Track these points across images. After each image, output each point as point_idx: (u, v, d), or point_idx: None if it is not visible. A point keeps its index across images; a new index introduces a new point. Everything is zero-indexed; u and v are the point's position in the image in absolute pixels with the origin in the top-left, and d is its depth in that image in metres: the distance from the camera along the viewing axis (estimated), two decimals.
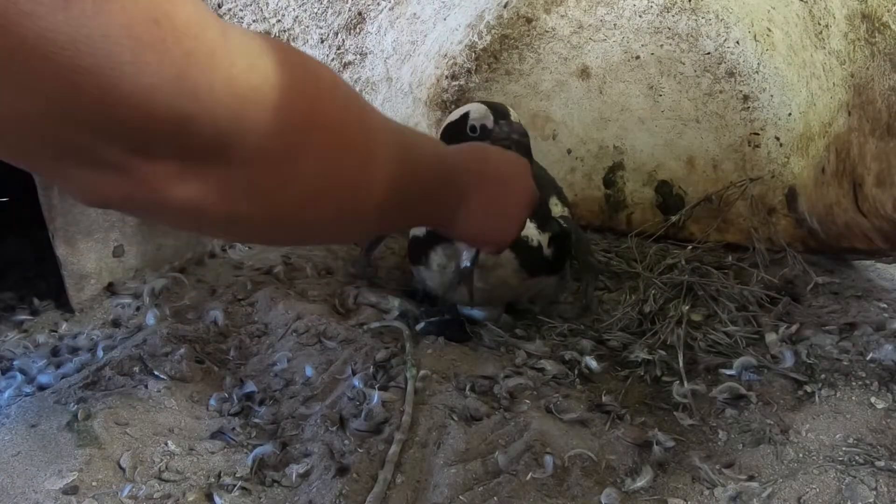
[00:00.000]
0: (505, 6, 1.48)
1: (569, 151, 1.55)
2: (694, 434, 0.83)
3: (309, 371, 0.93)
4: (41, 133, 0.32)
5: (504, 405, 0.85)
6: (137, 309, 1.13)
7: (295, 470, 0.76)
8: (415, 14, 1.38)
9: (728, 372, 0.92)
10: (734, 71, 1.37)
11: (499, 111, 0.97)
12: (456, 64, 1.53)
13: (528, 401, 0.87)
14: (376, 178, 0.50)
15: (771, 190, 1.36)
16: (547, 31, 1.49)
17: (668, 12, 1.40)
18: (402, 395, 0.86)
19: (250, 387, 0.92)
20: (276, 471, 0.77)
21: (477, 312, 1.09)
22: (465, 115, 0.98)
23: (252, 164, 0.39)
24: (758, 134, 1.38)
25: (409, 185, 0.55)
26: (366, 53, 1.35)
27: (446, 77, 1.54)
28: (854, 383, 0.84)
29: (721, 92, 1.40)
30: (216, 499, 0.72)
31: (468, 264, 0.94)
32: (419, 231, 1.02)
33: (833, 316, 1.03)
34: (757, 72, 1.35)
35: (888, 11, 0.91)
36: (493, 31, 1.51)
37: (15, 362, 1.00)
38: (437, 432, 0.80)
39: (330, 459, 0.77)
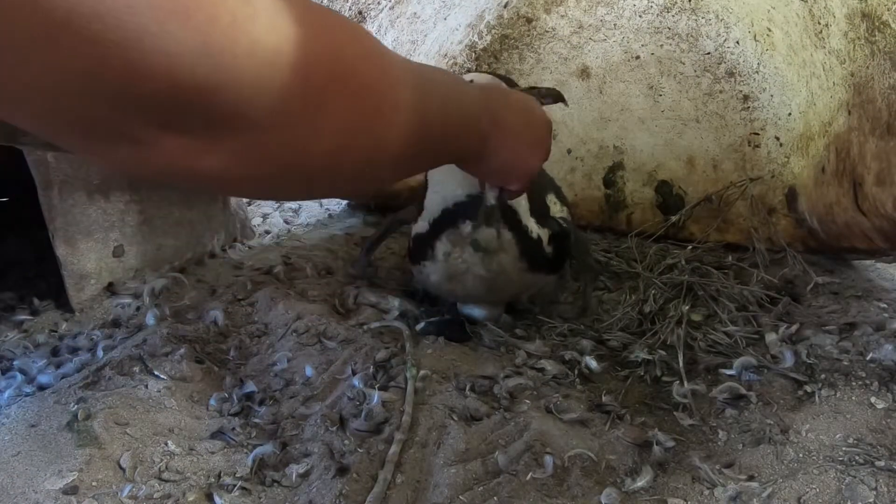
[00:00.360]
0: (505, 6, 1.48)
1: (569, 151, 1.55)
2: (694, 434, 0.83)
3: (309, 371, 0.93)
4: (71, 109, 0.32)
5: (504, 405, 0.85)
6: (137, 309, 1.13)
7: (295, 470, 0.76)
8: (415, 13, 1.38)
9: (728, 372, 0.92)
10: (734, 71, 1.37)
11: (507, 82, 0.98)
12: (456, 64, 1.53)
13: (528, 401, 0.87)
14: (399, 127, 0.50)
15: (771, 190, 1.36)
16: (547, 31, 1.49)
17: (668, 12, 1.40)
18: (402, 395, 0.86)
19: (250, 387, 0.92)
20: (276, 471, 0.77)
21: (477, 312, 1.09)
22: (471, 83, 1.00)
23: (276, 127, 0.39)
24: (758, 134, 1.38)
25: (432, 129, 0.55)
26: None
27: None
28: (854, 383, 0.84)
29: (721, 92, 1.40)
30: (216, 499, 0.72)
31: (493, 202, 0.94)
32: (421, 228, 1.02)
33: (833, 316, 1.03)
34: (757, 72, 1.35)
35: (888, 10, 0.91)
36: (493, 31, 1.51)
37: (15, 362, 1.00)
38: (437, 432, 0.80)
39: (330, 459, 0.77)
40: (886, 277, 1.21)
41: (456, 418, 0.82)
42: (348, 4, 1.25)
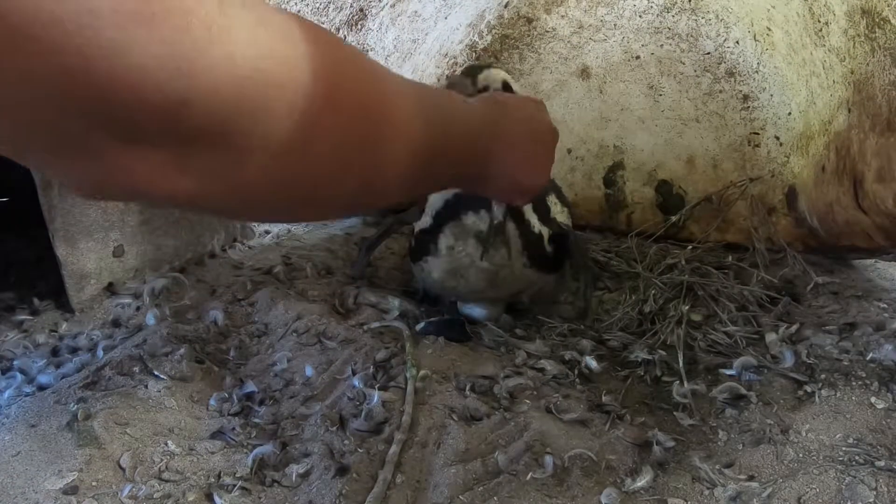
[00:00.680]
0: (506, 6, 1.48)
1: (569, 151, 1.55)
2: (694, 434, 0.83)
3: (309, 371, 0.93)
4: (31, 122, 0.30)
5: (504, 405, 0.85)
6: (137, 309, 1.13)
7: (295, 470, 0.76)
8: (416, 12, 1.38)
9: (728, 372, 0.92)
10: (734, 70, 1.37)
11: (471, 70, 1.00)
12: (456, 63, 1.53)
13: (528, 401, 0.87)
14: (399, 152, 0.47)
15: (771, 189, 1.36)
16: (547, 31, 1.49)
17: (668, 12, 1.40)
18: (402, 395, 0.86)
19: (250, 387, 0.92)
20: (276, 471, 0.77)
21: (477, 312, 1.09)
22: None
23: (258, 149, 0.36)
24: (758, 133, 1.38)
25: (434, 152, 0.53)
26: (367, 50, 1.35)
27: (447, 76, 1.54)
28: (854, 383, 0.84)
29: (721, 91, 1.39)
30: (216, 499, 0.72)
31: (501, 218, 0.94)
32: (424, 223, 1.02)
33: (833, 316, 1.03)
34: (757, 71, 1.35)
35: (888, 6, 0.91)
36: (493, 31, 1.51)
37: (15, 362, 1.00)
38: (437, 432, 0.80)
39: (330, 459, 0.77)
40: (886, 277, 1.21)
41: (456, 418, 0.82)
42: (350, 1, 1.25)
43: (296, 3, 1.17)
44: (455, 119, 0.59)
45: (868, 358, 0.88)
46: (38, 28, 0.26)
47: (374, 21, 1.32)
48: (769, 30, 1.29)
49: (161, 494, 0.73)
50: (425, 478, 0.74)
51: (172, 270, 1.24)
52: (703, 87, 1.41)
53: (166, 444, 0.80)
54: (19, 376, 0.96)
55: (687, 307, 1.09)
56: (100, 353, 1.00)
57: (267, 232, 1.61)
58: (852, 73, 1.04)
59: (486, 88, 0.98)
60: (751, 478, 0.73)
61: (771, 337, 0.98)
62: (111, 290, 1.17)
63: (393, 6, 1.33)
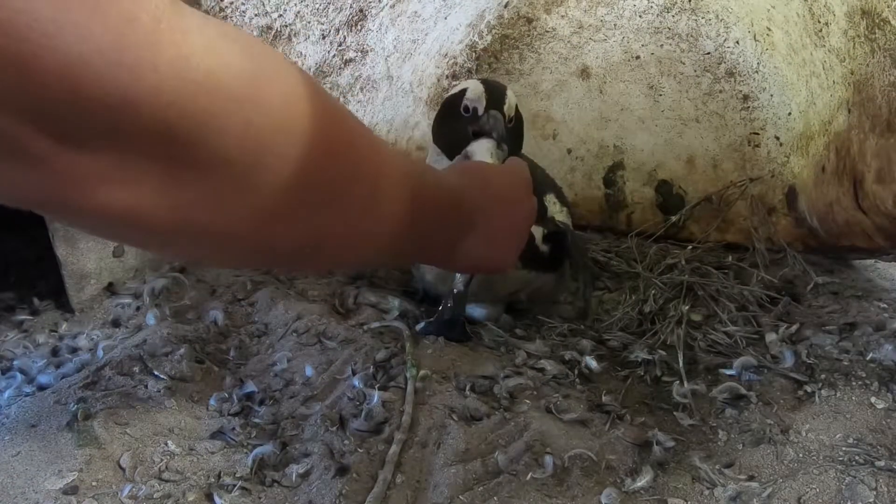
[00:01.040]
0: (505, 6, 1.48)
1: (569, 151, 1.55)
2: (694, 434, 0.83)
3: (309, 371, 0.93)
4: None
5: (504, 405, 0.85)
6: (137, 309, 1.13)
7: (295, 470, 0.76)
8: (416, 12, 1.37)
9: (728, 372, 0.92)
10: (734, 71, 1.37)
11: (494, 97, 0.95)
12: (456, 63, 1.53)
13: (528, 401, 0.87)
14: (371, 200, 0.43)
15: (771, 189, 1.36)
16: (547, 31, 1.49)
17: (668, 12, 1.40)
18: (402, 395, 0.86)
19: (250, 387, 0.92)
20: (276, 471, 0.77)
21: (477, 312, 1.09)
22: (463, 92, 0.98)
23: (207, 167, 0.32)
24: (758, 133, 1.38)
25: (415, 212, 0.48)
26: (367, 51, 1.35)
27: (447, 77, 1.54)
28: (854, 383, 0.84)
29: (721, 92, 1.39)
30: (216, 499, 0.73)
31: (462, 288, 0.93)
32: None
33: (833, 316, 1.03)
34: (757, 71, 1.35)
35: (888, 7, 0.91)
36: (493, 31, 1.50)
37: (15, 362, 1.00)
38: (437, 432, 0.80)
39: (330, 459, 0.77)
40: (886, 277, 1.21)
41: (456, 418, 0.82)
42: (349, 1, 1.25)
43: (295, 4, 1.17)
44: (433, 186, 0.54)
45: (868, 358, 0.88)
46: None
47: (373, 21, 1.32)
48: (769, 30, 1.29)
49: (161, 494, 0.73)
50: (425, 478, 0.74)
51: (172, 270, 1.24)
52: (703, 87, 1.41)
53: (166, 444, 0.80)
54: (19, 376, 0.96)
55: (687, 307, 1.09)
56: (100, 353, 1.00)
57: None
58: (852, 73, 1.04)
59: (510, 120, 0.96)
60: (751, 478, 0.73)
61: (771, 337, 0.98)
62: (111, 290, 1.17)
63: (393, 7, 1.33)
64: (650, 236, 1.42)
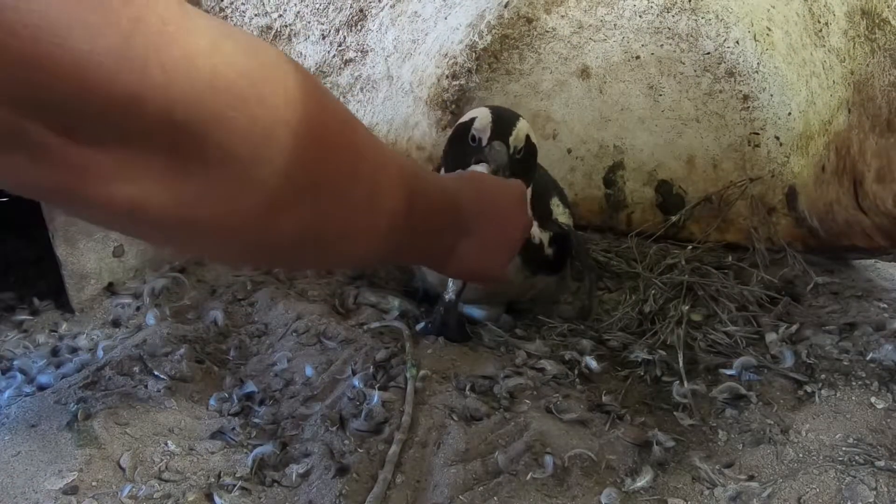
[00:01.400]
0: (505, 6, 1.48)
1: (569, 151, 1.55)
2: (694, 434, 0.83)
3: (309, 371, 0.93)
4: None
5: (504, 405, 0.85)
6: (137, 309, 1.13)
7: (295, 470, 0.76)
8: (416, 12, 1.37)
9: (728, 372, 0.92)
10: (734, 71, 1.37)
11: (500, 127, 0.94)
12: (457, 63, 1.53)
13: (528, 401, 0.87)
14: (369, 198, 0.44)
15: (771, 189, 1.36)
16: (547, 31, 1.49)
17: (668, 12, 1.40)
18: (402, 395, 0.86)
19: (250, 387, 0.92)
20: (276, 471, 0.77)
21: (477, 312, 1.09)
22: (472, 121, 0.96)
23: (211, 162, 0.33)
24: (758, 133, 1.38)
25: (411, 212, 0.49)
26: (367, 51, 1.35)
27: (447, 76, 1.54)
28: (854, 383, 0.84)
29: (721, 92, 1.39)
30: (216, 499, 0.72)
31: (453, 297, 0.93)
32: None
33: (833, 316, 1.03)
34: (757, 71, 1.35)
35: (888, 7, 0.91)
36: (493, 31, 1.50)
37: (15, 362, 1.00)
38: (437, 432, 0.80)
39: (330, 459, 0.77)
40: (886, 277, 1.21)
41: (456, 418, 0.82)
42: (349, 2, 1.25)
43: (295, 4, 1.17)
44: (430, 189, 0.55)
45: (868, 358, 0.88)
46: None
47: (373, 21, 1.32)
48: (769, 30, 1.29)
49: (161, 494, 0.73)
50: (425, 478, 0.74)
51: (172, 270, 1.24)
52: (703, 87, 1.41)
53: (166, 444, 0.80)
54: (19, 376, 0.96)
55: (687, 307, 1.09)
56: (100, 353, 1.00)
57: None
58: (852, 73, 1.04)
59: (519, 151, 0.95)
60: (751, 478, 0.73)
61: (771, 337, 0.98)
62: (111, 290, 1.17)
63: (393, 6, 1.33)
64: (650, 236, 1.42)
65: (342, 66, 1.32)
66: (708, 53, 1.39)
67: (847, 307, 1.05)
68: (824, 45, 1.11)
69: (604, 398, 0.89)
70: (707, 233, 1.41)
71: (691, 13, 1.38)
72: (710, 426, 0.84)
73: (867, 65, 0.98)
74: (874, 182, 0.97)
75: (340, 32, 1.28)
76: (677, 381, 0.91)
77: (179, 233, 0.38)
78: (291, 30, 1.18)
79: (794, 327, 0.99)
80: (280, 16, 1.16)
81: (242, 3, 1.08)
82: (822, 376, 0.87)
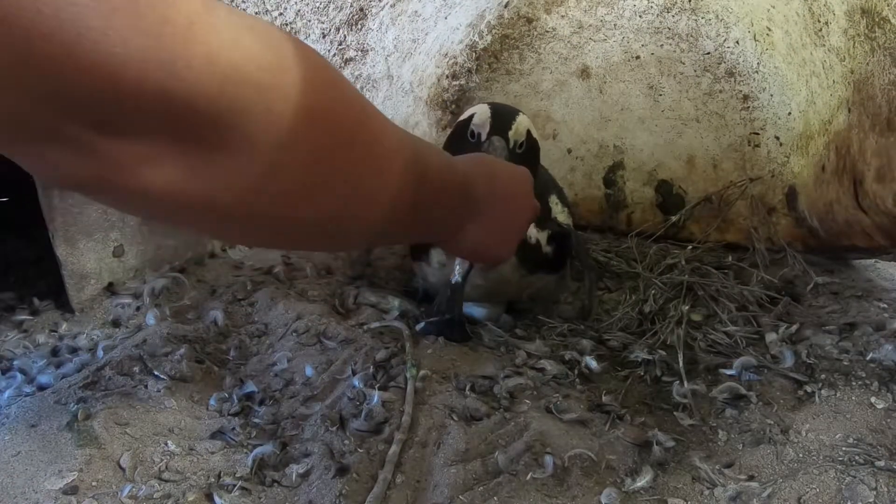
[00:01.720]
0: (506, 6, 1.48)
1: (569, 151, 1.55)
2: (694, 434, 0.83)
3: (309, 371, 0.93)
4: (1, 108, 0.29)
5: (504, 405, 0.85)
6: (137, 309, 1.13)
7: (295, 470, 0.76)
8: (416, 12, 1.38)
9: (728, 372, 0.92)
10: (734, 71, 1.37)
11: (499, 122, 0.94)
12: (457, 63, 1.53)
13: (528, 401, 0.86)
14: (377, 187, 0.46)
15: (771, 189, 1.36)
16: (547, 31, 1.49)
17: (668, 12, 1.40)
18: (402, 395, 0.86)
19: (250, 387, 0.92)
20: (276, 471, 0.77)
21: (477, 312, 1.09)
22: (471, 118, 0.97)
23: (234, 150, 0.35)
24: (758, 133, 1.38)
25: (421, 193, 0.51)
26: (367, 50, 1.35)
27: (447, 76, 1.54)
28: (854, 383, 0.84)
29: (721, 92, 1.39)
30: (216, 499, 0.72)
31: (459, 279, 0.93)
32: None
33: (833, 316, 1.03)
34: (757, 71, 1.35)
35: (888, 6, 0.91)
36: (493, 31, 1.51)
37: (15, 362, 1.00)
38: (437, 432, 0.80)
39: (330, 459, 0.77)
40: (886, 277, 1.21)
41: (456, 418, 0.82)
42: (349, 1, 1.25)
43: (296, 2, 1.17)
44: (444, 169, 0.57)
45: (868, 358, 0.88)
46: (9, 10, 0.25)
47: (374, 21, 1.32)
48: (769, 30, 1.29)
49: (161, 494, 0.73)
50: (425, 478, 0.74)
51: (172, 270, 1.24)
52: (703, 87, 1.41)
53: (166, 444, 0.80)
54: (19, 376, 0.96)
55: (687, 307, 1.09)
56: (100, 353, 1.00)
57: None
58: (852, 72, 1.04)
59: (520, 145, 0.95)
60: (751, 478, 0.73)
61: (771, 337, 0.98)
62: (111, 290, 1.17)
63: (393, 6, 1.33)
64: (650, 236, 1.42)
65: (342, 65, 1.32)
66: (708, 53, 1.39)
67: (847, 307, 1.05)
68: (824, 45, 1.11)
69: (604, 398, 0.89)
70: (707, 233, 1.41)
71: (691, 13, 1.38)
72: (710, 426, 0.84)
73: (867, 64, 0.98)
74: (874, 181, 0.97)
75: (341, 31, 1.28)
76: (677, 381, 0.91)
77: (206, 217, 0.40)
78: (292, 28, 1.18)
79: (794, 327, 0.99)
80: (280, 14, 1.16)
81: (242, 1, 1.08)
82: (822, 376, 0.87)
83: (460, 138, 0.98)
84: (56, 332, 1.09)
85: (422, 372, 0.90)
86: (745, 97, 1.37)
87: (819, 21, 1.11)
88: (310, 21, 1.21)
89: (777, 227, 1.33)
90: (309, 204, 0.42)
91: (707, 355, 0.98)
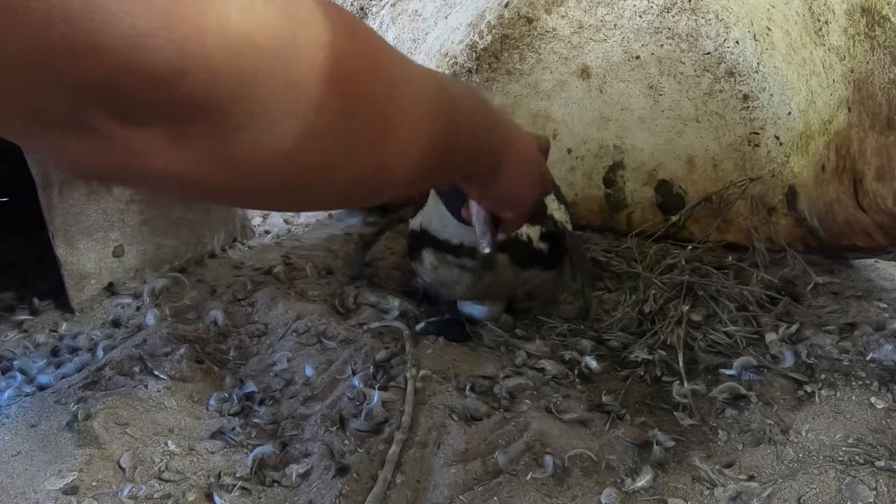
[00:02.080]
0: (506, 6, 1.48)
1: (569, 151, 1.55)
2: (694, 434, 0.83)
3: (309, 371, 0.93)
4: (9, 95, 0.28)
5: (504, 405, 0.85)
6: (137, 309, 1.13)
7: (295, 470, 0.76)
8: (416, 11, 1.38)
9: (728, 372, 0.92)
10: (734, 70, 1.37)
11: None
12: (457, 63, 1.53)
13: (528, 401, 0.86)
14: (410, 142, 0.45)
15: (771, 189, 1.36)
16: (547, 31, 1.49)
17: (668, 12, 1.39)
18: (402, 395, 0.86)
19: (250, 387, 0.92)
20: (276, 471, 0.77)
21: (477, 312, 1.09)
22: None
23: (255, 124, 0.34)
24: (758, 133, 1.38)
25: (450, 146, 0.50)
26: None
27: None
28: (854, 383, 0.84)
29: (721, 91, 1.39)
30: (216, 499, 0.72)
31: (488, 250, 0.93)
32: (415, 225, 1.03)
33: (833, 316, 1.03)
34: (756, 71, 1.35)
35: (888, 4, 0.91)
36: (493, 31, 1.50)
37: (15, 362, 1.00)
38: (437, 432, 0.80)
39: (330, 459, 0.77)
40: (886, 277, 1.21)
41: (456, 418, 0.82)
42: (350, 0, 1.25)
43: None
44: (475, 114, 0.57)
45: (868, 358, 0.88)
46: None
47: (374, 20, 1.32)
48: (769, 29, 1.29)
49: (161, 494, 0.73)
50: (425, 478, 0.74)
51: (172, 270, 1.24)
52: (703, 87, 1.41)
53: (166, 444, 0.80)
54: (19, 376, 0.96)
55: (687, 307, 1.09)
56: (100, 353, 1.00)
57: (267, 232, 1.62)
58: (852, 71, 1.04)
59: None
60: (751, 478, 0.73)
61: (771, 337, 0.98)
62: (111, 290, 1.17)
63: (393, 5, 1.33)
64: (650, 236, 1.42)
65: None
66: (708, 53, 1.39)
67: (847, 307, 1.05)
68: (824, 44, 1.11)
69: (604, 398, 0.89)
70: (707, 233, 1.41)
71: (691, 13, 1.38)
72: (710, 426, 0.84)
73: (867, 62, 0.98)
74: (874, 180, 0.97)
75: None
76: (677, 381, 0.91)
77: (237, 194, 0.39)
78: None
79: (794, 327, 0.99)
80: None
81: None
82: (822, 376, 0.87)
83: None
84: (56, 332, 1.09)
85: (422, 372, 0.90)
86: (745, 97, 1.37)
87: (819, 20, 1.11)
88: None
89: (777, 227, 1.33)
90: (341, 170, 0.41)
91: (707, 355, 0.98)
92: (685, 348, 0.98)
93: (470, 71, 1.54)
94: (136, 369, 0.92)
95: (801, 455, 0.75)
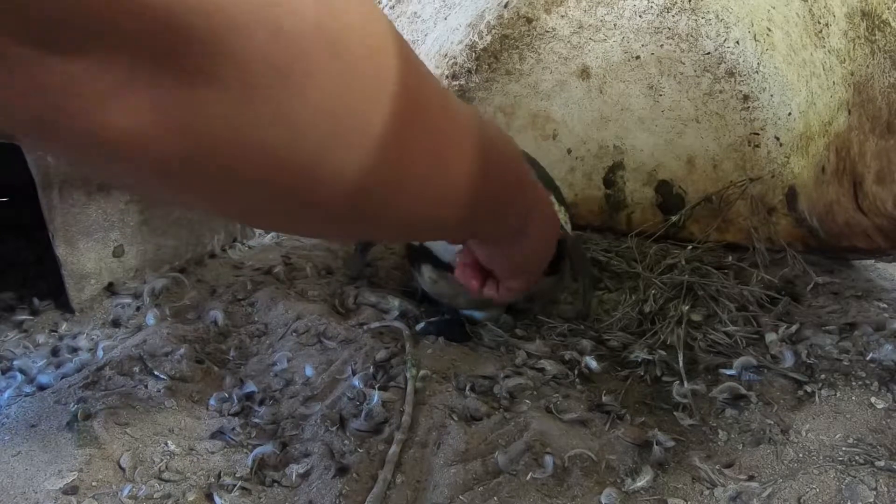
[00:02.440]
0: (505, 6, 1.48)
1: (569, 151, 1.55)
2: (694, 434, 0.83)
3: (309, 371, 0.93)
4: None
5: (504, 405, 0.85)
6: (137, 309, 1.13)
7: (295, 470, 0.76)
8: (415, 13, 1.38)
9: (728, 372, 0.92)
10: (734, 71, 1.37)
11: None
12: (456, 63, 1.53)
13: (528, 401, 0.87)
14: (428, 155, 0.36)
15: (771, 189, 1.36)
16: (547, 31, 1.49)
17: (668, 12, 1.40)
18: (402, 395, 0.86)
19: (250, 387, 0.92)
20: (276, 471, 0.77)
21: (477, 312, 1.09)
22: None
23: (223, 77, 0.26)
24: (758, 134, 1.38)
25: (479, 174, 0.41)
26: None
27: (447, 77, 1.54)
28: (854, 383, 0.84)
29: (721, 92, 1.40)
30: (216, 499, 0.72)
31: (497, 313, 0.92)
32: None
33: (833, 316, 1.03)
34: (757, 71, 1.35)
35: (888, 9, 0.91)
36: (493, 31, 1.51)
37: (15, 362, 1.00)
38: (437, 432, 0.80)
39: (330, 459, 0.77)
40: (886, 277, 1.21)
41: (456, 418, 0.82)
42: None
43: None
44: (512, 162, 0.48)
45: (868, 358, 0.88)
46: None
47: None
48: (769, 30, 1.29)
49: (161, 494, 0.73)
50: (425, 478, 0.74)
51: (172, 270, 1.24)
52: (703, 87, 1.41)
53: (166, 444, 0.80)
54: (19, 376, 0.96)
55: (687, 307, 1.09)
56: (100, 353, 1.00)
57: (267, 232, 1.62)
58: (852, 74, 1.04)
59: None
60: (751, 478, 0.73)
61: (771, 337, 0.98)
62: (111, 290, 1.17)
63: (392, 7, 1.33)
64: (650, 236, 1.42)
65: None
66: (708, 53, 1.39)
67: (847, 307, 1.05)
68: (824, 46, 1.11)
69: (604, 398, 0.89)
70: (707, 233, 1.41)
71: (691, 13, 1.38)
72: (710, 426, 0.84)
73: (867, 66, 0.98)
74: (874, 183, 0.97)
75: None
76: (677, 381, 0.91)
77: (185, 173, 0.30)
78: None
79: (794, 327, 0.99)
80: None
81: None
82: (822, 376, 0.87)
83: None
84: (56, 332, 1.09)
85: (422, 372, 0.90)
86: (745, 97, 1.37)
87: (819, 22, 1.11)
88: None
89: (777, 227, 1.33)
90: (320, 162, 0.31)
91: (707, 355, 0.98)
92: (685, 348, 0.99)
93: (469, 71, 1.54)
94: (136, 369, 0.92)
95: (801, 455, 0.75)
